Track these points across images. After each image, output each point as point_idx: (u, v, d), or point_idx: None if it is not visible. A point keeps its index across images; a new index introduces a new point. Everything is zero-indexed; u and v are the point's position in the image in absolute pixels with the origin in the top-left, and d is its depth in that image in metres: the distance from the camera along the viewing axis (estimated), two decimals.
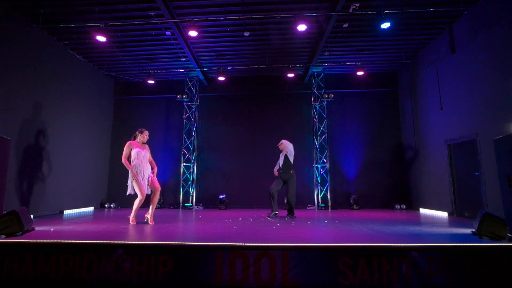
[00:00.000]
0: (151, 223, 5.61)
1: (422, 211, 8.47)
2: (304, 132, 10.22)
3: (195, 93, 10.28)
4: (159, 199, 9.65)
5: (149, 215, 5.71)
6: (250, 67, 9.57)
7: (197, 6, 6.74)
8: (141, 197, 5.50)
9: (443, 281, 3.19)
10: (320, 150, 9.79)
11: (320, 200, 9.49)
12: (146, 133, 5.87)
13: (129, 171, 5.55)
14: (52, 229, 4.99)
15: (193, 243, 3.47)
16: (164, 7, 6.37)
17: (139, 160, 5.59)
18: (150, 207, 5.70)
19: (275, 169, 7.42)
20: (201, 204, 9.87)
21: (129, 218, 5.74)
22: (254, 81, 10.50)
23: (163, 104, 10.71)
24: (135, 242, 3.56)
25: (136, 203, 5.57)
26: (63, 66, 8.09)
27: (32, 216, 5.66)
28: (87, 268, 3.36)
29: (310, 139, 10.09)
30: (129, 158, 5.64)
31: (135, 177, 5.49)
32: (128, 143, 5.65)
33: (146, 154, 5.72)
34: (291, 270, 3.23)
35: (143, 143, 5.83)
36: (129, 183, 5.61)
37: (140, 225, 5.45)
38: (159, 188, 5.75)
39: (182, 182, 9.87)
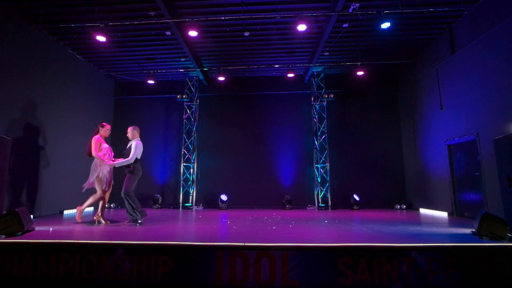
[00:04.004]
0: (107, 223, 5.63)
1: (422, 211, 8.47)
2: (304, 132, 10.22)
3: (195, 93, 10.28)
4: (158, 199, 9.67)
5: (100, 213, 5.71)
6: (250, 67, 9.57)
7: (197, 6, 6.74)
8: (102, 193, 5.58)
9: (443, 281, 3.20)
10: (320, 150, 9.79)
11: (320, 200, 9.49)
12: (108, 127, 5.87)
13: (96, 164, 5.54)
14: (51, 229, 4.99)
15: (193, 243, 3.48)
16: (164, 7, 6.36)
17: (106, 155, 5.64)
18: (102, 204, 5.70)
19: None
20: (201, 204, 9.87)
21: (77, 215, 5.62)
22: (254, 81, 10.50)
23: (163, 104, 10.71)
24: (135, 242, 3.56)
25: (95, 198, 5.56)
26: (63, 66, 8.09)
27: (32, 216, 5.66)
28: (87, 268, 3.36)
29: (310, 139, 10.09)
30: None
31: (102, 173, 5.52)
32: (97, 138, 5.63)
33: (109, 149, 5.75)
34: (291, 270, 3.23)
35: (105, 137, 5.84)
36: (92, 177, 5.57)
37: (140, 226, 5.45)
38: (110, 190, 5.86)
39: (182, 182, 9.87)
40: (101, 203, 5.70)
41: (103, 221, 5.65)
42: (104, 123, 5.86)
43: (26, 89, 6.81)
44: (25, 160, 6.76)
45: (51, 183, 7.55)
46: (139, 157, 5.72)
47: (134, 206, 5.55)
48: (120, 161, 5.57)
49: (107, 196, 5.76)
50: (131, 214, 5.58)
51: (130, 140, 5.80)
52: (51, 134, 7.57)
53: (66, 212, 7.83)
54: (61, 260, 3.39)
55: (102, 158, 5.50)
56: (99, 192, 5.54)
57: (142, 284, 3.28)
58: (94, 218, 5.75)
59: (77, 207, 5.75)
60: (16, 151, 6.46)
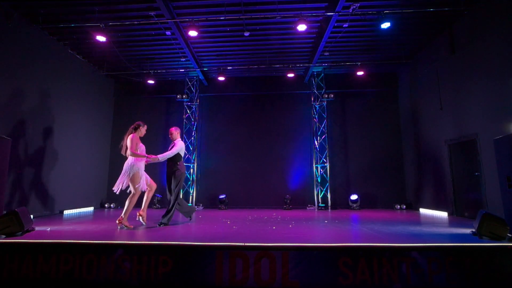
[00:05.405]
0: (145, 223, 5.48)
1: (422, 211, 8.47)
2: (304, 132, 10.22)
3: (195, 93, 10.28)
4: (158, 199, 9.65)
5: (144, 214, 5.50)
6: (250, 67, 9.56)
7: (197, 6, 6.74)
8: (139, 192, 5.29)
9: (443, 281, 3.19)
10: (320, 150, 9.79)
11: (320, 200, 9.48)
12: (145, 127, 5.67)
13: (130, 163, 5.19)
14: (48, 229, 4.98)
15: (193, 243, 3.47)
16: (164, 7, 6.36)
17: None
18: (145, 204, 5.49)
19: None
20: (201, 204, 9.86)
21: (121, 222, 5.12)
22: (254, 81, 10.50)
23: (163, 104, 10.70)
24: (135, 242, 3.56)
25: (133, 201, 5.19)
26: (63, 66, 8.09)
27: (32, 216, 5.65)
28: (87, 268, 3.36)
29: (310, 139, 10.09)
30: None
31: (139, 171, 5.25)
32: (134, 136, 5.30)
33: (144, 149, 5.55)
34: (291, 270, 3.23)
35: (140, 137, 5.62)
36: (127, 177, 5.16)
37: (140, 226, 5.44)
38: (155, 186, 5.71)
39: None
40: (144, 200, 5.51)
41: (142, 221, 5.50)
42: (140, 122, 5.55)
43: (25, 89, 6.81)
44: (25, 160, 6.76)
45: (51, 183, 7.55)
46: (182, 154, 5.88)
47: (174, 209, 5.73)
48: (163, 155, 5.62)
49: (150, 195, 5.62)
50: (168, 213, 5.63)
51: (172, 141, 5.90)
52: (51, 134, 7.57)
53: (66, 212, 7.83)
54: (61, 260, 3.39)
55: (138, 154, 5.24)
56: (133, 190, 5.22)
57: (142, 284, 3.28)
58: (139, 213, 5.51)
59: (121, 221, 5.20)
60: (16, 151, 6.46)
